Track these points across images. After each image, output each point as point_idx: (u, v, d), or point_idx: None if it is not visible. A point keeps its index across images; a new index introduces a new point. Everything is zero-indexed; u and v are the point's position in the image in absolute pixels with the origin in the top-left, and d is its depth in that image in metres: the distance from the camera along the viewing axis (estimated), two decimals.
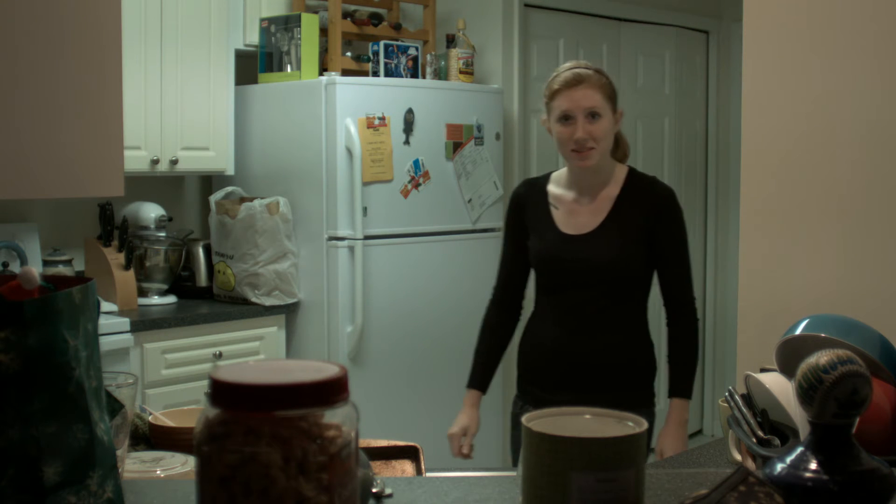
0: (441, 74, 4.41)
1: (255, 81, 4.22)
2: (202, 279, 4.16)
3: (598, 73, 2.44)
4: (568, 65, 2.49)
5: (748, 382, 1.72)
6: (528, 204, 2.55)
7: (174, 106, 3.91)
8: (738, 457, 1.70)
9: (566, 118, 2.39)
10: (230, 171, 4.16)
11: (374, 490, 1.31)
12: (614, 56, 5.20)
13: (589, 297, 2.43)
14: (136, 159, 3.78)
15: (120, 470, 1.16)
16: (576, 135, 2.37)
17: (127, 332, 3.52)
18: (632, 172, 2.49)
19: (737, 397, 1.69)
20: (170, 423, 1.81)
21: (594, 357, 2.43)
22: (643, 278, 2.47)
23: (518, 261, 2.57)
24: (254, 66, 4.24)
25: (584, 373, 2.42)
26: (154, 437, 1.80)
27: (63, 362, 1.00)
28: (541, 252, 2.48)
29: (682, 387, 2.48)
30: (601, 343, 2.43)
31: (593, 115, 2.37)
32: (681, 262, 2.48)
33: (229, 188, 4.16)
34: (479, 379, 2.62)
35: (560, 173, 2.55)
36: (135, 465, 1.56)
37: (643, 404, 2.49)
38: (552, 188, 2.53)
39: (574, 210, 2.47)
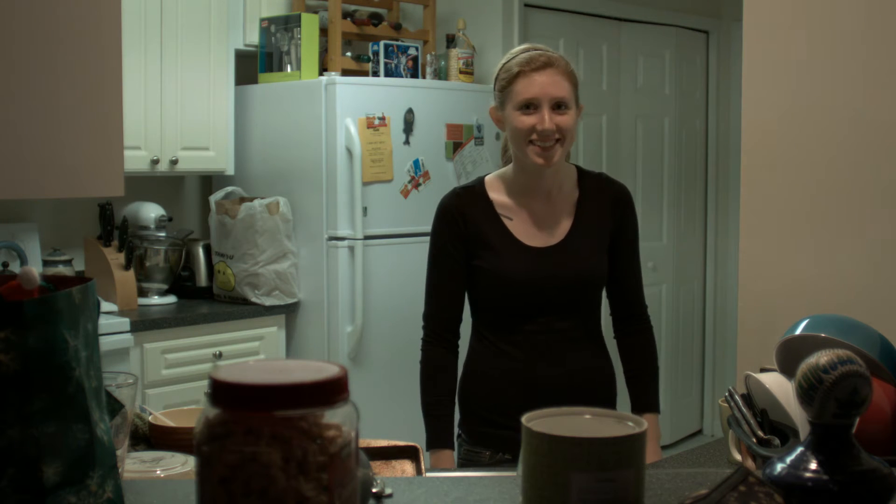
0: (441, 74, 4.41)
1: (255, 81, 4.23)
2: (202, 279, 4.16)
3: (563, 58, 2.12)
4: (525, 46, 2.15)
5: (748, 382, 1.71)
6: (471, 216, 2.16)
7: (174, 106, 3.91)
8: (738, 457, 1.70)
9: (529, 106, 2.06)
10: (230, 171, 4.16)
11: (374, 490, 1.31)
12: (614, 56, 5.20)
13: (555, 316, 2.14)
14: (136, 159, 3.78)
15: (120, 470, 1.16)
16: (541, 125, 2.04)
17: (127, 332, 3.52)
18: (581, 170, 2.23)
19: (737, 397, 1.69)
20: (170, 423, 1.81)
21: (561, 383, 2.13)
22: (602, 288, 2.22)
23: (457, 286, 2.19)
24: (254, 66, 4.25)
25: (549, 402, 2.13)
26: (154, 437, 1.80)
27: (63, 362, 1.00)
28: (505, 272, 2.12)
29: (651, 401, 2.23)
30: (568, 367, 2.14)
31: (559, 106, 2.06)
32: (638, 266, 2.25)
33: (229, 188, 4.16)
34: (445, 436, 2.17)
35: (497, 178, 2.21)
36: (135, 465, 1.56)
37: None
38: (495, 196, 2.17)
39: (530, 219, 2.16)
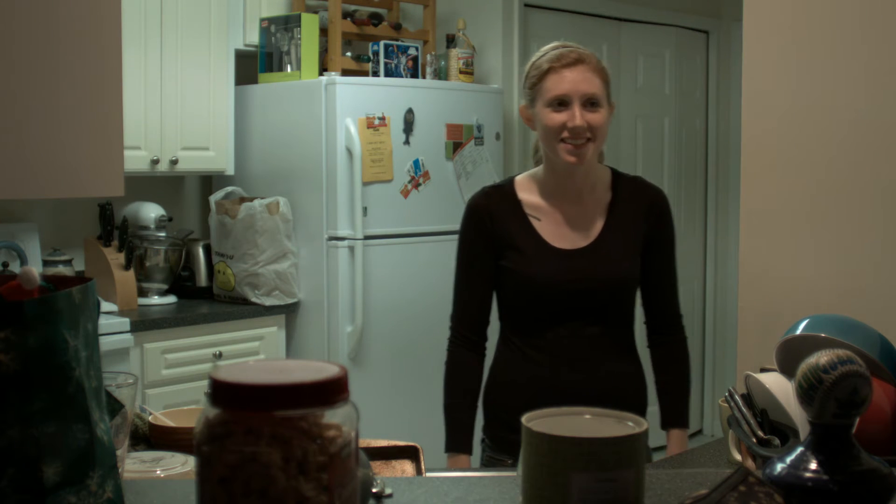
0: (441, 74, 4.41)
1: (255, 81, 4.22)
2: (202, 279, 4.16)
3: (594, 55, 2.08)
4: (555, 43, 2.10)
5: (748, 382, 1.71)
6: (498, 216, 2.10)
7: (174, 106, 3.91)
8: (738, 457, 1.70)
9: (560, 103, 2.01)
10: (230, 171, 4.16)
11: (374, 490, 1.31)
12: (614, 56, 5.20)
13: (584, 321, 2.07)
14: (136, 159, 3.78)
15: (120, 470, 1.16)
16: (572, 122, 1.99)
17: (127, 332, 3.52)
18: (616, 172, 2.19)
19: (737, 397, 1.69)
20: (170, 423, 1.81)
21: (588, 390, 2.05)
22: (634, 294, 2.15)
23: (484, 287, 2.14)
24: (254, 66, 4.25)
25: None
26: (154, 437, 1.80)
27: (63, 362, 0.99)
28: (531, 274, 2.06)
29: (680, 417, 2.15)
30: (596, 374, 2.08)
31: (591, 103, 2.01)
32: (674, 273, 2.18)
33: (229, 188, 4.16)
34: (463, 439, 2.12)
35: (527, 178, 2.16)
36: (135, 465, 1.55)
37: None
38: (524, 196, 2.12)
39: (560, 220, 2.10)
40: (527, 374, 2.11)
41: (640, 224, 2.12)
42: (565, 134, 2.01)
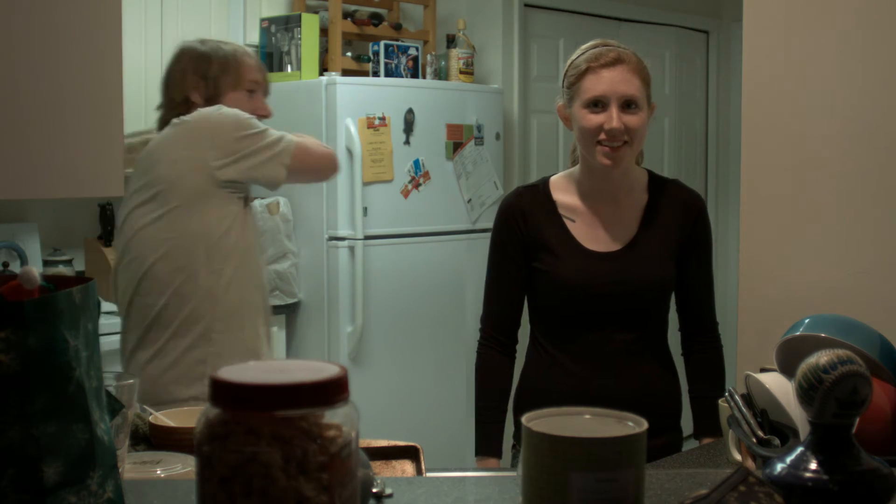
0: (441, 74, 4.42)
1: None
2: None
3: (635, 54, 2.04)
4: (594, 42, 2.06)
5: (748, 382, 1.71)
6: (532, 216, 2.06)
7: None
8: (738, 457, 1.70)
9: (597, 104, 1.97)
10: None
11: (374, 490, 1.31)
12: None
13: (617, 326, 2.03)
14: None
15: (120, 470, 1.16)
16: (609, 124, 1.94)
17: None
18: (653, 175, 2.17)
19: (737, 397, 1.69)
20: (170, 423, 1.81)
21: (620, 398, 1.90)
22: (668, 300, 2.10)
23: (516, 289, 2.10)
24: None
25: None
26: (154, 437, 1.80)
27: (63, 362, 0.99)
28: (563, 276, 2.02)
29: (714, 425, 2.01)
30: (628, 381, 2.03)
31: (629, 105, 1.97)
32: (710, 279, 2.15)
33: None
34: (493, 444, 2.08)
35: (563, 178, 2.12)
36: (135, 465, 1.55)
37: (674, 448, 2.08)
38: (559, 196, 2.08)
39: (594, 222, 2.05)
40: (556, 379, 2.07)
41: (676, 228, 2.08)
42: (602, 136, 1.97)
